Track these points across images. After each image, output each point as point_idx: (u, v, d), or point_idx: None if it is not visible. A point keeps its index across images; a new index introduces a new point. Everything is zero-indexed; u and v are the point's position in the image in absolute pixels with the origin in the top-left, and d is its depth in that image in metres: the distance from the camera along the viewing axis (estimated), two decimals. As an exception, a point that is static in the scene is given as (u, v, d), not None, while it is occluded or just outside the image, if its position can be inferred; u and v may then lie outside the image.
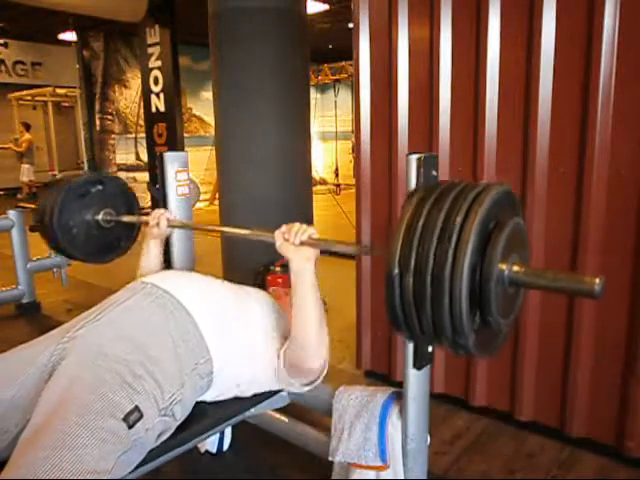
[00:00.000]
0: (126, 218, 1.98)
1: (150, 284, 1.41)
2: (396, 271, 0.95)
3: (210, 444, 2.00)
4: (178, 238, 1.97)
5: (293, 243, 1.31)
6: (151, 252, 1.74)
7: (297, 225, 1.34)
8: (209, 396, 1.41)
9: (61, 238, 1.88)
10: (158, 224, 1.70)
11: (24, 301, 3.82)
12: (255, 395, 1.51)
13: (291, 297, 1.38)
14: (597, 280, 0.87)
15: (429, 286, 0.91)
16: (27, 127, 10.80)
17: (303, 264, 1.32)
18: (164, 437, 1.25)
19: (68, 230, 1.90)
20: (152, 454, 1.24)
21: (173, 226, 1.73)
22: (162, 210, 1.76)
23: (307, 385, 1.45)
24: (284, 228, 1.35)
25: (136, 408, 1.13)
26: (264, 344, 1.45)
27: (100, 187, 1.96)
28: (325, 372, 1.44)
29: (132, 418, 1.11)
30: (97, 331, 1.27)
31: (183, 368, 1.28)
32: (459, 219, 0.90)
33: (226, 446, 2.02)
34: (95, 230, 1.98)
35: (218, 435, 1.98)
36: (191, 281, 1.52)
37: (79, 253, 1.98)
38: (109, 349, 1.21)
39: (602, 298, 1.75)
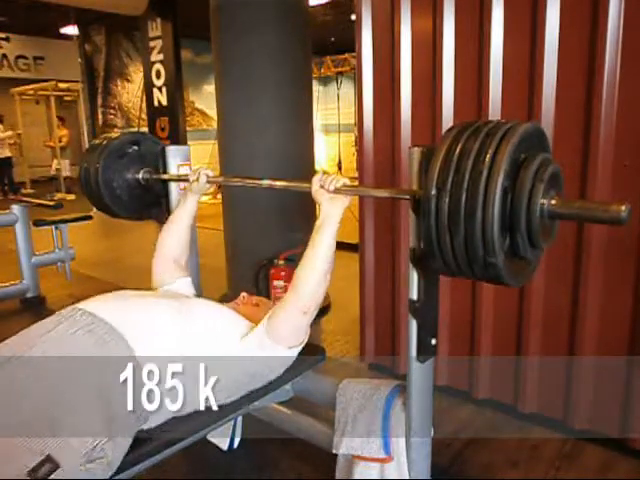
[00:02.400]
0: (166, 176, 2.00)
1: (81, 310, 1.32)
2: (434, 191, 1.01)
3: (221, 441, 2.00)
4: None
5: (328, 190, 1.37)
6: (187, 208, 1.77)
7: (333, 175, 1.41)
8: (156, 421, 1.29)
9: (107, 200, 1.95)
10: (198, 180, 1.72)
11: (28, 295, 3.84)
12: (258, 388, 1.50)
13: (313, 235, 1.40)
14: (623, 207, 0.93)
15: (463, 204, 0.97)
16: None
17: (335, 208, 1.38)
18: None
19: (112, 191, 1.96)
20: (157, 447, 1.25)
21: (212, 181, 1.75)
22: (203, 167, 1.78)
23: (292, 348, 1.42)
24: (321, 176, 1.41)
25: (48, 458, 1.02)
26: (224, 352, 1.38)
27: (136, 147, 2.01)
28: (307, 337, 1.45)
29: (42, 471, 1.00)
30: (12, 372, 1.15)
31: (111, 403, 1.16)
32: (493, 145, 0.97)
33: (236, 444, 2.02)
34: (137, 189, 2.03)
35: (230, 432, 1.99)
36: (128, 303, 1.43)
37: (124, 211, 2.05)
38: (22, 393, 1.11)
39: (606, 288, 1.74)
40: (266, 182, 1.63)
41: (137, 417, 1.21)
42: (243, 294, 1.70)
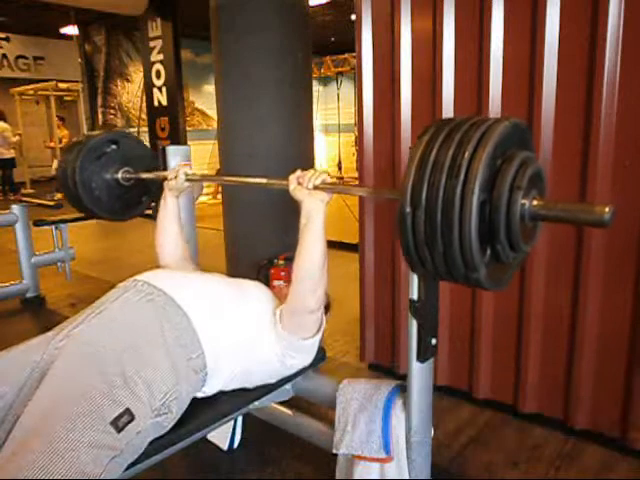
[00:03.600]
0: (144, 175, 1.98)
1: (141, 281, 1.41)
2: (408, 209, 0.97)
3: (221, 441, 2.01)
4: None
5: (307, 187, 1.34)
6: (168, 206, 1.77)
7: (312, 170, 1.38)
8: (208, 389, 1.41)
9: (86, 201, 1.93)
10: (176, 177, 1.72)
11: (28, 295, 3.84)
12: (259, 387, 1.52)
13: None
14: (607, 209, 0.89)
15: (439, 222, 0.93)
16: None
17: (315, 204, 1.34)
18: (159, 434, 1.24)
19: (91, 192, 1.93)
20: (157, 447, 1.24)
21: (191, 180, 1.74)
22: (182, 164, 1.78)
23: (308, 339, 1.44)
24: (299, 172, 1.38)
25: (126, 411, 1.12)
26: (262, 335, 1.45)
27: (115, 147, 1.98)
28: (324, 324, 1.48)
29: (122, 421, 1.11)
30: (88, 332, 1.27)
31: (176, 364, 1.27)
32: (467, 155, 0.92)
33: (236, 443, 2.02)
34: (116, 189, 2.01)
35: (230, 432, 1.99)
36: (183, 277, 1.53)
37: (105, 212, 2.02)
38: (99, 350, 1.21)
39: (607, 288, 1.74)
40: (245, 179, 1.61)
41: (195, 372, 1.32)
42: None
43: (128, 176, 2.00)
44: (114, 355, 1.20)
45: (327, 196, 1.35)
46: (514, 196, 0.94)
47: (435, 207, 0.93)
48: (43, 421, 1.06)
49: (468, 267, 0.94)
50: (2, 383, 1.20)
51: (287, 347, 1.44)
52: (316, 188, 1.34)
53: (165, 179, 1.76)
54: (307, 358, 1.51)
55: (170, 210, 1.76)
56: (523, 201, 0.95)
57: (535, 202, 0.97)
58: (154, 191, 2.08)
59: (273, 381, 1.54)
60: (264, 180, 1.56)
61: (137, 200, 2.09)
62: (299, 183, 1.36)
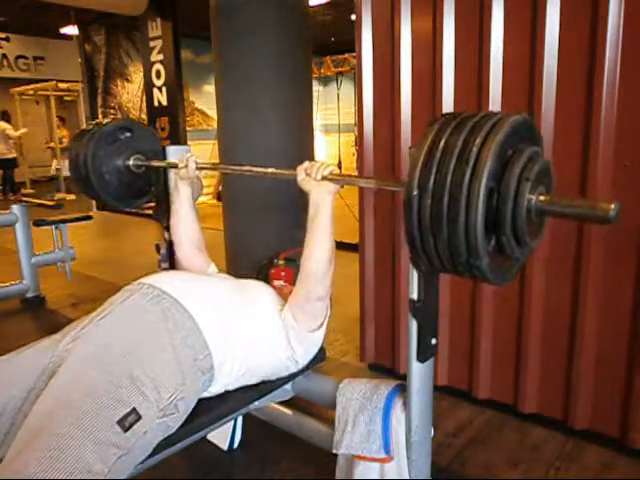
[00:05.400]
0: (155, 162, 2.00)
1: (147, 284, 1.42)
2: (415, 192, 0.96)
3: (221, 441, 2.01)
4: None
5: (315, 178, 1.37)
6: (182, 194, 1.78)
7: (319, 162, 1.41)
8: (215, 389, 1.42)
9: (96, 185, 1.94)
10: (187, 166, 1.73)
11: (29, 295, 3.84)
12: (259, 387, 1.52)
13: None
14: (612, 205, 0.89)
15: (446, 206, 0.93)
16: None
17: (323, 195, 1.38)
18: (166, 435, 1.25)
19: (101, 177, 1.95)
20: (157, 447, 1.24)
21: (201, 168, 1.76)
22: (190, 153, 1.79)
23: (315, 331, 1.50)
24: (307, 164, 1.41)
25: (133, 410, 1.13)
26: (270, 332, 1.48)
27: (128, 134, 2.00)
28: (329, 313, 1.52)
29: (129, 420, 1.11)
30: (95, 334, 1.28)
31: (182, 365, 1.27)
32: (478, 142, 0.92)
33: (236, 443, 2.02)
34: (126, 176, 2.02)
35: (230, 432, 1.99)
36: (188, 279, 1.54)
37: (111, 197, 2.03)
38: (106, 351, 1.22)
39: (606, 288, 1.74)
40: (252, 169, 1.63)
41: (202, 373, 1.33)
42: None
43: (139, 163, 2.02)
44: (121, 356, 1.21)
45: (335, 187, 1.38)
46: (522, 187, 0.95)
47: (442, 191, 0.93)
48: (49, 420, 1.06)
49: (471, 254, 0.94)
50: (11, 386, 1.21)
51: (293, 337, 1.48)
52: (324, 179, 1.37)
53: (175, 167, 1.78)
54: (310, 351, 1.55)
55: (184, 197, 1.79)
56: (530, 195, 0.96)
57: (542, 197, 0.97)
58: (161, 182, 2.10)
59: (274, 378, 1.56)
60: (272, 170, 1.57)
61: (144, 190, 2.11)
62: (307, 174, 1.39)
